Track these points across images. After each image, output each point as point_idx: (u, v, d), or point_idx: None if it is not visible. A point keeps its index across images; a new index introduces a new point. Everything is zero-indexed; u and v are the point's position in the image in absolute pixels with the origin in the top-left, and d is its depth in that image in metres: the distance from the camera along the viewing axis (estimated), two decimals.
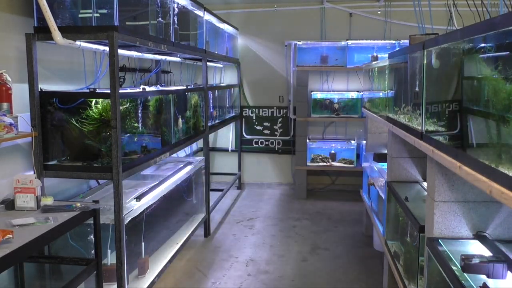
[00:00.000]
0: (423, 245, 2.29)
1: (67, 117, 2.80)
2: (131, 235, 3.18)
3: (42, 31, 2.67)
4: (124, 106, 2.92)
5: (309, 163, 6.39)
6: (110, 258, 2.99)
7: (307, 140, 6.38)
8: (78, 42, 2.80)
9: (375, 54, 6.12)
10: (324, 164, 6.41)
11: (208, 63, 5.26)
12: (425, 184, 3.13)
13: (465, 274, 1.67)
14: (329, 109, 6.46)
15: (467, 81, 1.77)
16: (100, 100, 2.79)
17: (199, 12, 4.58)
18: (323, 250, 4.44)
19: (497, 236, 2.06)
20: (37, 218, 2.32)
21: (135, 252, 3.27)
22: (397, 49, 5.14)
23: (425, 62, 2.18)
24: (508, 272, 1.64)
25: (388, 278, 3.27)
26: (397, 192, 3.04)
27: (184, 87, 4.24)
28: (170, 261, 3.63)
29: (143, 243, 3.33)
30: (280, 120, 6.92)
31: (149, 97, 3.33)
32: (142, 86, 3.55)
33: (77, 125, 2.79)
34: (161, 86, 4.53)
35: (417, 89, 2.36)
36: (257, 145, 6.99)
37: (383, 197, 3.55)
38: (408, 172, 3.33)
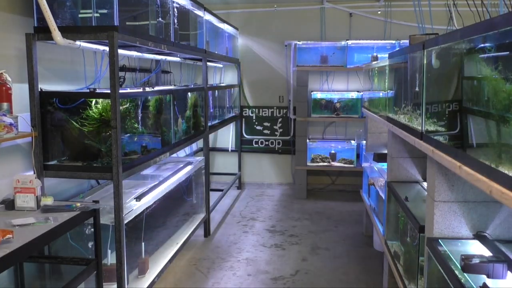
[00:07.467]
0: (423, 245, 2.29)
1: (67, 117, 2.80)
2: (131, 235, 3.18)
3: (42, 31, 2.67)
4: (124, 106, 2.92)
5: (309, 163, 6.39)
6: (110, 258, 2.99)
7: (307, 140, 6.38)
8: (78, 42, 2.80)
9: (375, 54, 6.12)
10: (324, 164, 6.40)
11: (208, 63, 5.26)
12: (425, 184, 3.13)
13: (465, 274, 1.67)
14: (329, 109, 6.46)
15: (467, 81, 1.77)
16: (100, 100, 2.79)
17: (199, 12, 4.58)
18: (323, 250, 4.44)
19: (497, 236, 2.06)
20: (37, 218, 2.32)
21: (135, 252, 3.27)
22: (397, 49, 5.14)
23: (425, 62, 2.18)
24: (508, 272, 1.64)
25: (388, 278, 3.27)
26: (397, 192, 3.04)
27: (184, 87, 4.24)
28: (170, 261, 3.63)
29: (143, 243, 3.33)
30: (280, 120, 6.92)
31: (149, 97, 3.33)
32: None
33: (77, 125, 2.79)
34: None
35: (417, 89, 2.36)
36: (257, 145, 6.99)
37: (383, 197, 3.55)
38: (408, 172, 3.33)
